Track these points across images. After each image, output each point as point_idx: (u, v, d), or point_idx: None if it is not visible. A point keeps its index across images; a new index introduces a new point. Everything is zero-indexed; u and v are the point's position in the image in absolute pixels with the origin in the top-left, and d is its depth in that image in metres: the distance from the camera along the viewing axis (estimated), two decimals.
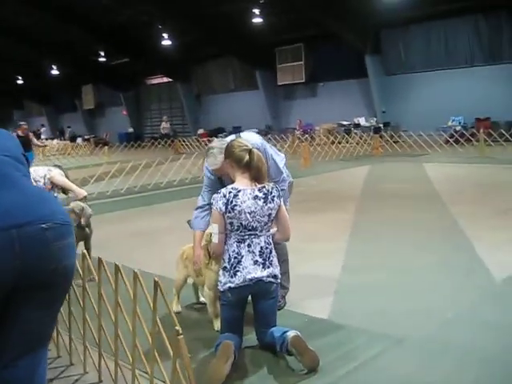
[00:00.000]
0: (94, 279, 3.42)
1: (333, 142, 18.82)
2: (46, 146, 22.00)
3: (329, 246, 6.46)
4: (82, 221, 5.45)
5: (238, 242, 3.51)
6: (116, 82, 35.15)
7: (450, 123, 20.89)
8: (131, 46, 29.04)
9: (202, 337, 3.87)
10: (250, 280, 3.47)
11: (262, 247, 3.53)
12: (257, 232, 3.52)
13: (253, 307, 3.68)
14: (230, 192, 3.47)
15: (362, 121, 23.86)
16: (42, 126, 36.87)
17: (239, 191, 3.47)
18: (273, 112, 28.12)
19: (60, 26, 26.21)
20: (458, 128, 19.74)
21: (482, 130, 16.72)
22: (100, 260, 3.05)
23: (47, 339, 2.56)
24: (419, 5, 19.58)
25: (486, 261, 5.41)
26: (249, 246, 3.51)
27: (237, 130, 27.19)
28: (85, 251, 3.34)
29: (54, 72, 34.25)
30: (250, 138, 4.11)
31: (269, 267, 3.53)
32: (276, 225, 3.66)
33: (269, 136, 21.44)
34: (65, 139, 34.57)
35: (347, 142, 19.59)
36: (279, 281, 3.64)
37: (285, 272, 4.30)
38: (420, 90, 22.64)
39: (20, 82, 38.67)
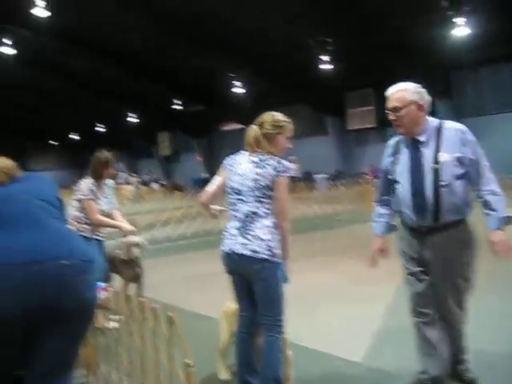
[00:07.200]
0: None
1: None
2: None
3: (375, 289, 6.39)
4: (139, 253, 5.51)
5: (229, 204, 3.50)
6: (190, 129, 36.25)
7: None
8: (204, 94, 30.02)
9: None
10: (228, 251, 3.40)
11: (245, 215, 3.38)
12: (242, 197, 3.44)
13: None
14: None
15: None
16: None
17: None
18: (343, 157, 28.04)
19: (135, 79, 27.71)
20: None
21: None
22: (142, 302, 3.15)
23: (72, 366, 2.67)
24: (489, 47, 19.30)
25: None
26: (235, 210, 3.45)
27: (305, 174, 27.09)
28: (131, 293, 3.46)
29: (131, 120, 35.75)
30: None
31: (245, 237, 3.32)
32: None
33: (341, 180, 21.28)
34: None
35: None
36: (265, 256, 3.27)
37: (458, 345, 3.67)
38: (494, 134, 21.98)
39: (100, 129, 40.60)
